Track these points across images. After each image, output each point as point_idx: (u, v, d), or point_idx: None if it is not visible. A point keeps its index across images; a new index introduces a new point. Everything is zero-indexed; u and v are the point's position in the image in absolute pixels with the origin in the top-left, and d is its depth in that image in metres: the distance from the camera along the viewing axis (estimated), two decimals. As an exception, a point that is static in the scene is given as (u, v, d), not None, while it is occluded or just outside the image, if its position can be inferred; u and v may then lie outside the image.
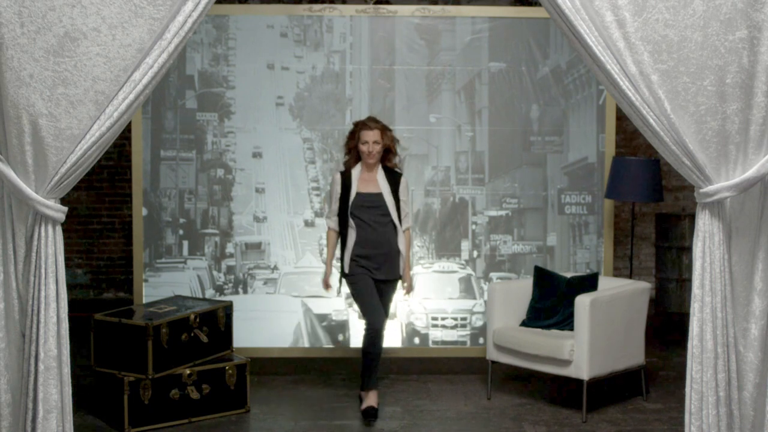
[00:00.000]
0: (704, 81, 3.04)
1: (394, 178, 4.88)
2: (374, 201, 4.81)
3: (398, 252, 4.86)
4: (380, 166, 4.86)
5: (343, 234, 4.88)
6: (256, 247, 5.72)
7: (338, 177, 4.88)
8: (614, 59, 3.03)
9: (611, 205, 5.78)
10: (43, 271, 3.01)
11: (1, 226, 3.04)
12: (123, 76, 2.97)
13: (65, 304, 3.09)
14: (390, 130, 4.88)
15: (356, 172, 4.85)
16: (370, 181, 4.85)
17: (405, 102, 5.71)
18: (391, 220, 4.83)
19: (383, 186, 4.84)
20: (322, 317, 5.71)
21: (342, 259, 4.88)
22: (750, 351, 3.16)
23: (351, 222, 4.81)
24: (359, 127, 4.82)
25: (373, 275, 4.81)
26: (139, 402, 4.48)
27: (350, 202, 4.80)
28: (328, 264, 4.95)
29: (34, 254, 3.02)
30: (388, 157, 4.88)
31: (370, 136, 4.76)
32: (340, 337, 5.71)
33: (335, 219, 4.92)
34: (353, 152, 4.87)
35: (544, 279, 5.27)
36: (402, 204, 4.88)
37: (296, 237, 5.74)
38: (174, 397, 4.57)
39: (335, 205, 4.88)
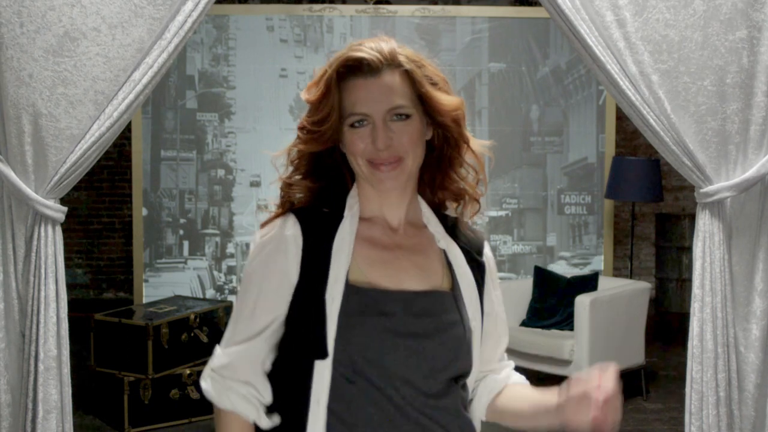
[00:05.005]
0: (704, 81, 3.04)
1: (470, 243, 1.58)
2: (426, 318, 1.44)
3: None
4: (422, 202, 1.55)
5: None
6: (256, 247, 5.72)
7: (280, 245, 1.45)
8: (614, 59, 3.03)
9: (611, 205, 5.78)
10: (42, 271, 3.01)
11: (1, 226, 3.04)
12: (123, 76, 2.97)
13: (65, 304, 3.08)
14: (431, 69, 1.49)
15: (350, 220, 1.47)
16: (404, 251, 1.50)
17: (405, 102, 5.71)
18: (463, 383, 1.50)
19: (458, 272, 1.52)
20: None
21: None
22: (750, 351, 3.16)
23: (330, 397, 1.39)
24: (336, 74, 1.47)
25: None
26: (139, 402, 4.48)
27: (327, 319, 1.39)
28: None
29: (33, 254, 3.02)
30: (447, 172, 1.55)
31: (376, 97, 1.42)
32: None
33: (252, 383, 1.47)
34: (308, 161, 1.52)
35: (544, 279, 5.26)
36: (492, 323, 1.57)
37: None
38: (174, 397, 4.57)
39: (249, 333, 1.45)
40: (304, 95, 1.49)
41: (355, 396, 1.38)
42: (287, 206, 1.49)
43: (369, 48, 1.45)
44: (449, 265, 1.51)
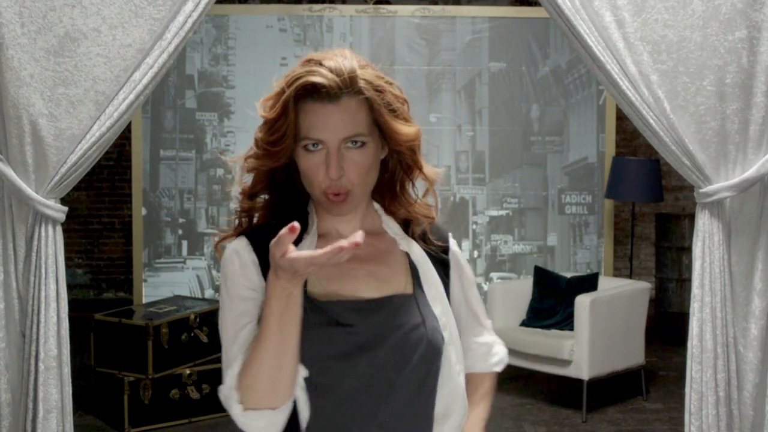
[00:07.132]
0: (704, 81, 3.04)
1: (435, 242, 1.59)
2: (383, 324, 1.43)
3: None
4: (382, 214, 1.56)
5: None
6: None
7: (244, 257, 1.48)
8: (614, 59, 3.03)
9: (611, 205, 5.78)
10: (43, 271, 3.01)
11: (1, 226, 3.04)
12: (123, 77, 2.97)
13: (65, 304, 3.08)
14: (391, 84, 1.44)
15: (310, 238, 1.48)
16: (360, 262, 1.47)
17: (405, 102, 5.71)
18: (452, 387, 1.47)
19: (422, 273, 1.52)
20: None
21: None
22: (750, 351, 3.16)
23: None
24: (291, 94, 1.39)
25: None
26: (139, 402, 4.48)
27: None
28: None
29: (34, 254, 3.02)
30: (396, 194, 1.56)
31: (333, 125, 1.39)
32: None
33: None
34: (264, 172, 1.54)
35: (544, 279, 5.27)
36: (462, 307, 1.60)
37: (296, 237, 5.76)
38: (174, 397, 4.57)
39: (239, 346, 1.40)
40: (260, 110, 1.47)
41: (324, 405, 1.39)
42: (244, 221, 1.53)
43: (328, 70, 1.37)
44: (413, 267, 1.51)
